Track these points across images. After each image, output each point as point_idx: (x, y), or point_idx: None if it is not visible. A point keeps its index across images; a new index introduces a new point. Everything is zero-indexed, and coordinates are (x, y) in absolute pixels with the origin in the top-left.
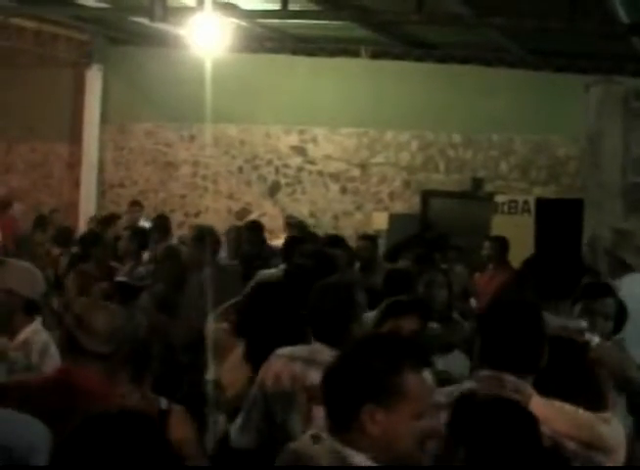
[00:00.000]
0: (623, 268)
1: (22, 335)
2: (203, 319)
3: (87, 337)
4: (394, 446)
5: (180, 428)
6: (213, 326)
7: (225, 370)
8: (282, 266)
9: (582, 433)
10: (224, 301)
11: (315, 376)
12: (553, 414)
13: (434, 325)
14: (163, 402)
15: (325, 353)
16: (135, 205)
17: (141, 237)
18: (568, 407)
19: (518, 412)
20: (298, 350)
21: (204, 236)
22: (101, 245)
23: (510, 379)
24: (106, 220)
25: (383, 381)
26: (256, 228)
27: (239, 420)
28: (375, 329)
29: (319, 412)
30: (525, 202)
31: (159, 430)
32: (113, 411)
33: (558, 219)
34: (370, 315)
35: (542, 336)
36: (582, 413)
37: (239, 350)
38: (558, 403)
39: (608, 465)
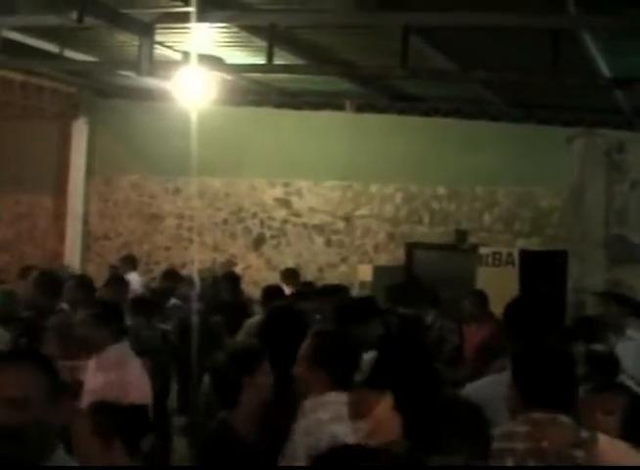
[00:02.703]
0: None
1: None
2: None
3: None
4: None
5: None
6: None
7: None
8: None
9: None
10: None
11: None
12: (620, 456)
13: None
14: None
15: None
16: (127, 259)
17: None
18: (631, 449)
19: None
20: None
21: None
22: None
23: (566, 421)
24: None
25: None
26: (234, 279)
27: None
28: None
29: None
30: (509, 254)
31: None
32: None
33: (542, 270)
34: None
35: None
36: None
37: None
38: (623, 445)
39: None
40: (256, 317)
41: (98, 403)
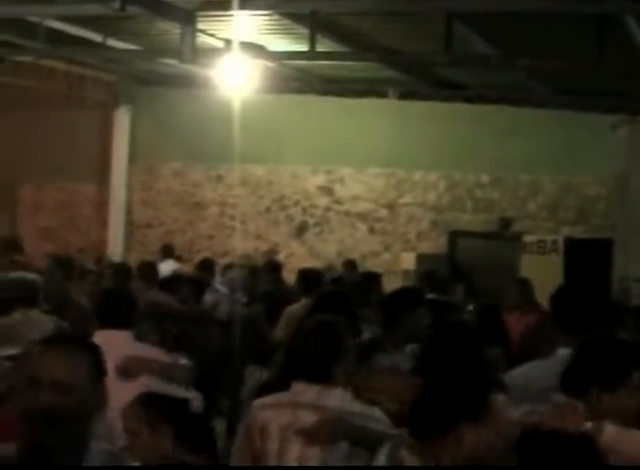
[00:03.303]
0: None
1: None
2: None
3: None
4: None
5: None
6: None
7: None
8: (304, 301)
9: None
10: None
11: (307, 418)
12: (628, 443)
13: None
14: None
15: (310, 393)
16: (164, 249)
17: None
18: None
19: (581, 450)
20: (277, 397)
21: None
22: None
23: (582, 408)
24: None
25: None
26: (275, 268)
27: None
28: None
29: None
30: (554, 241)
31: None
32: None
33: (587, 259)
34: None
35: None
36: None
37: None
38: (634, 432)
39: None
40: (296, 305)
41: (147, 392)
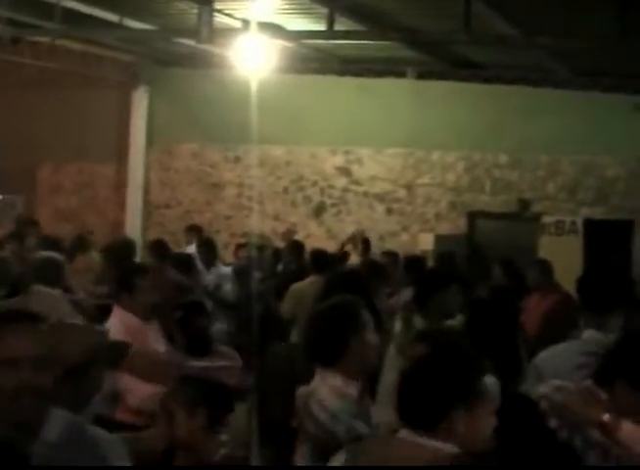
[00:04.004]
0: None
1: None
2: None
3: None
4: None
5: None
6: None
7: None
8: (310, 278)
9: None
10: None
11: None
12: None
13: None
14: None
15: (317, 378)
16: (191, 230)
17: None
18: None
19: None
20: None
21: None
22: None
23: (605, 399)
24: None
25: (475, 386)
26: (299, 247)
27: None
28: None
29: None
30: (573, 222)
31: None
32: None
33: (606, 240)
34: None
35: None
36: None
37: None
38: None
39: None
40: (302, 282)
41: (185, 375)
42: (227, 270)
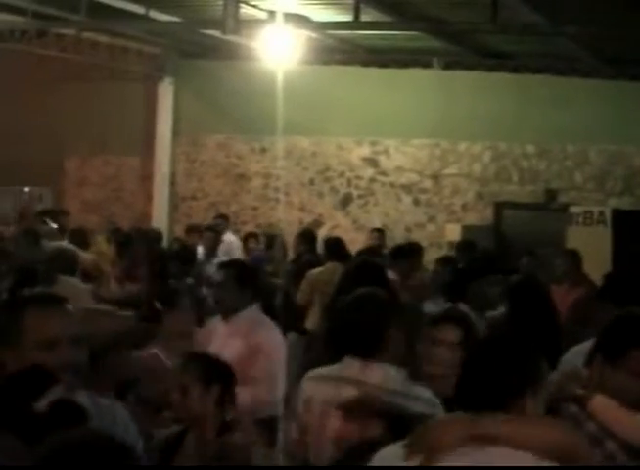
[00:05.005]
0: None
1: None
2: None
3: None
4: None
5: None
6: None
7: None
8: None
9: (628, 434)
10: None
11: (347, 393)
12: (611, 412)
13: None
14: None
15: (353, 368)
16: (220, 218)
17: None
18: (626, 410)
19: None
20: (328, 370)
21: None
22: None
23: (584, 376)
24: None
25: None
26: (312, 237)
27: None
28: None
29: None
30: (601, 213)
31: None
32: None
33: (635, 230)
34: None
35: None
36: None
37: None
38: (614, 404)
39: None
40: (318, 269)
41: (198, 352)
42: (234, 239)
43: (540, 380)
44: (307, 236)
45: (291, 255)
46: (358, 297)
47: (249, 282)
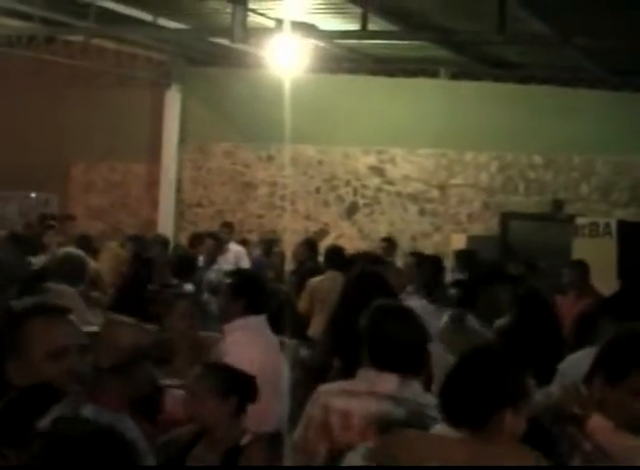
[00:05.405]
0: None
1: None
2: None
3: None
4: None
5: None
6: None
7: None
8: (328, 273)
9: (621, 458)
10: None
11: (385, 408)
12: (603, 432)
13: None
14: None
15: (389, 384)
16: (225, 226)
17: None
18: (621, 433)
19: None
20: (354, 383)
21: None
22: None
23: (583, 394)
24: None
25: (524, 385)
26: (312, 245)
27: None
28: None
29: None
30: (607, 224)
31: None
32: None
33: None
34: None
35: None
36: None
37: None
38: (610, 425)
39: None
40: (318, 278)
41: (218, 363)
42: (239, 248)
43: (523, 397)
44: (309, 245)
45: (290, 262)
46: (394, 310)
47: (243, 293)
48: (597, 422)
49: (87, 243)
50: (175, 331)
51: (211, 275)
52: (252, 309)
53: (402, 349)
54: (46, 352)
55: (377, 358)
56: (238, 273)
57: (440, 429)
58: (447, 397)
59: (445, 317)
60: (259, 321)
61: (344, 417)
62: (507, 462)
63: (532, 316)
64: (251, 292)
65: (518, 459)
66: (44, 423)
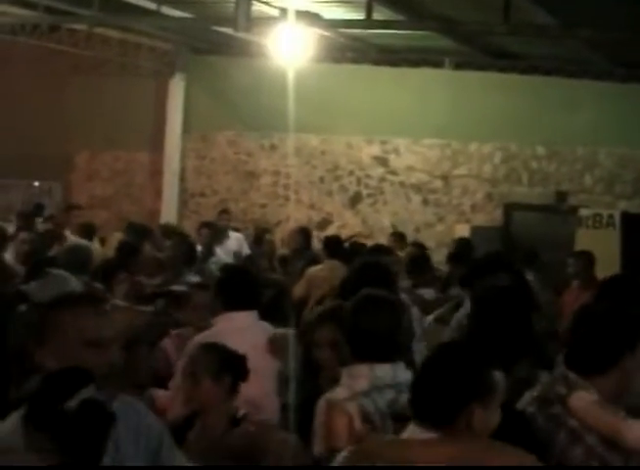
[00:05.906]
0: None
1: None
2: None
3: None
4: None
5: None
6: None
7: None
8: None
9: (601, 427)
10: None
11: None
12: (587, 408)
13: None
14: None
15: (407, 374)
16: (224, 213)
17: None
18: (605, 406)
19: None
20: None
21: None
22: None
23: (573, 377)
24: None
25: (491, 381)
26: (306, 233)
27: None
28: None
29: None
30: (610, 216)
31: None
32: None
33: None
34: None
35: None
36: (617, 413)
37: None
38: (599, 401)
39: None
40: (317, 266)
41: (211, 343)
42: (239, 235)
43: (490, 393)
44: (303, 233)
45: (281, 250)
46: (370, 300)
47: (228, 288)
48: (578, 397)
49: (91, 231)
50: (190, 323)
51: (210, 265)
52: (240, 305)
53: (372, 338)
54: (87, 341)
55: (354, 349)
56: (226, 269)
57: (412, 430)
58: (414, 396)
59: (431, 317)
60: (246, 316)
61: (364, 418)
62: (487, 461)
63: (488, 316)
64: (236, 288)
65: (500, 458)
66: (71, 405)
